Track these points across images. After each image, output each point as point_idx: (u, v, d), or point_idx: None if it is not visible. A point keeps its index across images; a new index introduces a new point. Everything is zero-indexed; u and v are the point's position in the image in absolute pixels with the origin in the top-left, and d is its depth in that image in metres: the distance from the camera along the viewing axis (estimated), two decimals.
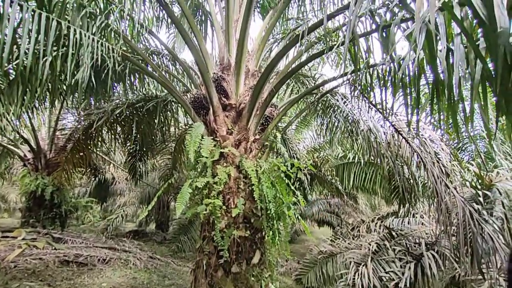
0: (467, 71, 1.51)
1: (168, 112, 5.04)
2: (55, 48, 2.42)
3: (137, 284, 4.96)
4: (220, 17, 3.82)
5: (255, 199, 2.69)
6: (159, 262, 6.11)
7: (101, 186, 11.72)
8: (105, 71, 3.25)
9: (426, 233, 5.08)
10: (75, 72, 3.12)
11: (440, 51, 1.65)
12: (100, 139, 5.55)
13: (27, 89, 3.08)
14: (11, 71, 3.15)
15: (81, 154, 5.96)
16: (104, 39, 2.96)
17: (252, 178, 2.75)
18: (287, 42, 2.78)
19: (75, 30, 2.20)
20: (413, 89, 2.08)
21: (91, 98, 4.43)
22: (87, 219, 12.57)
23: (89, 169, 10.78)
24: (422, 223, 5.57)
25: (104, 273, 5.08)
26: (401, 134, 3.21)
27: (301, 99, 5.03)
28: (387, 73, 2.16)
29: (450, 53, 1.66)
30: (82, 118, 5.54)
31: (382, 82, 2.25)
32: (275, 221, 2.76)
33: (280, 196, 2.78)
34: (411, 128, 2.89)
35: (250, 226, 2.81)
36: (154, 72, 3.08)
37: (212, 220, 2.71)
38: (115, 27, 3.02)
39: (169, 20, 4.74)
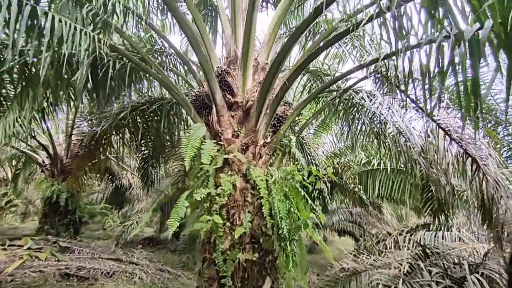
0: None
1: (176, 115, 4.74)
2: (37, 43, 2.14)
3: None
4: (227, 4, 3.45)
5: (265, 215, 2.24)
6: (167, 275, 5.75)
7: (118, 192, 11.76)
8: (103, 70, 2.99)
9: (467, 251, 4.39)
10: (72, 72, 2.91)
11: None
12: (108, 144, 5.36)
13: (33, 93, 2.96)
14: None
15: (93, 160, 5.82)
16: (101, 34, 2.70)
17: (261, 190, 2.32)
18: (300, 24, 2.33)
19: (53, 17, 1.89)
20: (468, 76, 1.56)
21: (96, 102, 4.23)
22: (107, 223, 12.83)
23: (107, 175, 10.87)
24: (460, 238, 4.87)
25: None
26: (449, 135, 2.62)
27: (321, 99, 4.55)
28: (433, 55, 1.65)
29: None
30: (93, 122, 5.39)
31: (425, 69, 1.73)
32: (288, 241, 2.28)
33: (295, 211, 2.31)
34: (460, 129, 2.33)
35: (259, 248, 2.35)
36: (150, 68, 2.75)
37: (214, 239, 2.29)
38: (111, 21, 2.75)
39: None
